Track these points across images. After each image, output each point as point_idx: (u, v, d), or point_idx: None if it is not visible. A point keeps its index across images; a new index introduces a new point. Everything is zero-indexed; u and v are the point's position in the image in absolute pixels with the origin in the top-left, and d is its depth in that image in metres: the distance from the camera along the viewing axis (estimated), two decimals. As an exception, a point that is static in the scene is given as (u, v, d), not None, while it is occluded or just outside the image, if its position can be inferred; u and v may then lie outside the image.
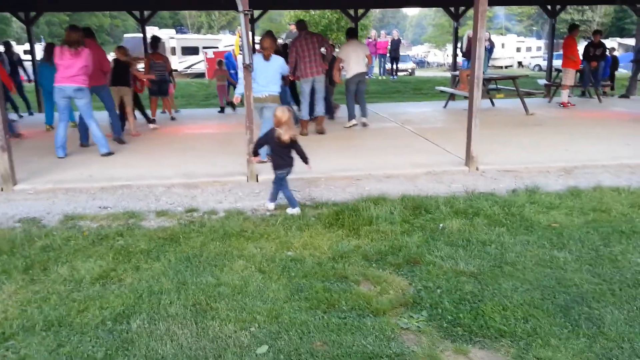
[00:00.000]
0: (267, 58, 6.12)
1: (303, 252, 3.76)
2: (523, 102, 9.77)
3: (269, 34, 6.32)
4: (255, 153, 4.88)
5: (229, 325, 2.81)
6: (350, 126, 8.69)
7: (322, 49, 8.20)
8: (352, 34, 8.81)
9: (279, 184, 4.71)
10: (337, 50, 9.14)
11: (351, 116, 8.79)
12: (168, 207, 4.84)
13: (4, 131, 5.32)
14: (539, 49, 41.93)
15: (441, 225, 4.16)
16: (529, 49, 40.63)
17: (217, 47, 27.30)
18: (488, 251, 3.68)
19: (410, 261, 3.56)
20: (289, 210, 4.62)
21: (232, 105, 11.53)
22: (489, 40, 14.22)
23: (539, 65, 33.62)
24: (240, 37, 18.75)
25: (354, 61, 8.38)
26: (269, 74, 6.07)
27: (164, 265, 3.59)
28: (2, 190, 5.39)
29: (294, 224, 4.30)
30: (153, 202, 5.02)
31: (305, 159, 4.74)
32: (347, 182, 5.53)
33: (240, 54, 19.17)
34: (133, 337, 2.72)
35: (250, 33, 5.53)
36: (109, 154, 6.87)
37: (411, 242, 3.85)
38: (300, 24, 8.34)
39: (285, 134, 4.51)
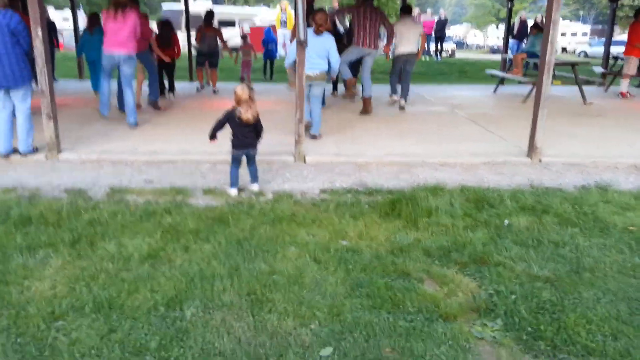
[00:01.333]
0: (318, 33, 5.86)
1: (359, 243, 3.54)
2: (581, 91, 9.21)
3: (323, 10, 6.05)
4: (213, 136, 4.47)
5: (287, 320, 2.62)
6: (394, 101, 8.42)
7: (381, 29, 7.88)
8: (406, 11, 8.41)
9: (236, 165, 4.49)
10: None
11: (394, 92, 8.53)
12: (215, 185, 4.68)
13: (50, 98, 5.21)
14: (584, 34, 40.16)
15: (507, 221, 3.87)
16: (574, 34, 38.97)
17: (254, 22, 26.99)
18: (562, 254, 3.38)
19: (477, 260, 3.29)
20: (250, 185, 4.54)
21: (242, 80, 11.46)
22: (541, 22, 13.48)
23: (584, 52, 32.22)
24: (282, 11, 18.47)
25: (405, 39, 8.01)
26: (320, 50, 5.83)
27: (215, 247, 3.42)
28: (47, 158, 5.31)
29: (347, 211, 4.07)
30: (199, 179, 4.86)
31: (259, 136, 4.53)
32: (399, 168, 5.26)
33: (281, 27, 18.88)
34: (187, 326, 2.56)
35: (306, 7, 5.22)
36: (135, 125, 6.77)
37: (476, 238, 3.58)
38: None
39: (246, 112, 4.28)
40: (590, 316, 2.67)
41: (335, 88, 10.17)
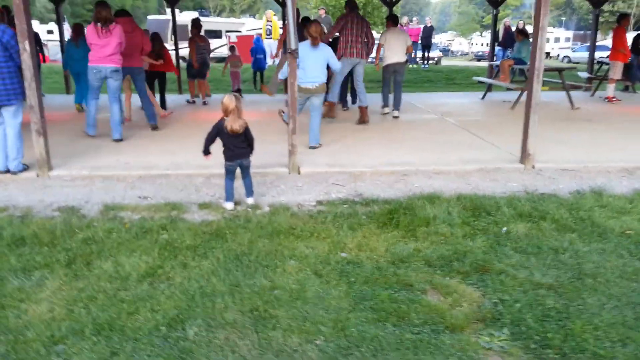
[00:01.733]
0: (315, 45, 5.89)
1: (359, 255, 3.52)
2: (569, 96, 9.32)
3: (317, 21, 6.07)
4: (207, 151, 4.39)
5: (292, 337, 2.58)
6: (385, 113, 8.46)
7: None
8: (393, 21, 8.46)
9: (230, 177, 4.44)
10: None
11: (385, 104, 8.61)
12: (210, 199, 4.63)
13: (40, 114, 5.14)
14: (567, 39, 40.78)
15: (505, 229, 3.87)
16: (557, 40, 39.54)
17: (240, 31, 27.03)
18: (563, 260, 3.39)
19: (478, 269, 3.28)
20: (245, 199, 4.50)
21: (239, 91, 11.43)
22: (524, 28, 13.68)
23: (567, 57, 32.69)
24: (268, 20, 18.49)
25: (393, 49, 8.04)
26: (318, 62, 5.89)
27: (213, 263, 3.37)
28: (37, 176, 5.22)
29: (345, 222, 4.05)
30: (194, 193, 4.81)
31: (251, 149, 4.49)
32: (394, 177, 5.25)
33: (267, 38, 18.89)
34: (191, 346, 2.51)
35: (295, 17, 5.23)
36: (120, 140, 6.73)
37: (475, 247, 3.58)
38: (352, 3, 8.02)
39: (234, 123, 4.22)
40: (597, 322, 2.67)
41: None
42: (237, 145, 4.37)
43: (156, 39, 8.63)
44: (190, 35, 9.93)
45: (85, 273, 3.25)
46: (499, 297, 2.95)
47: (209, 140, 4.37)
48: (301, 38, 5.78)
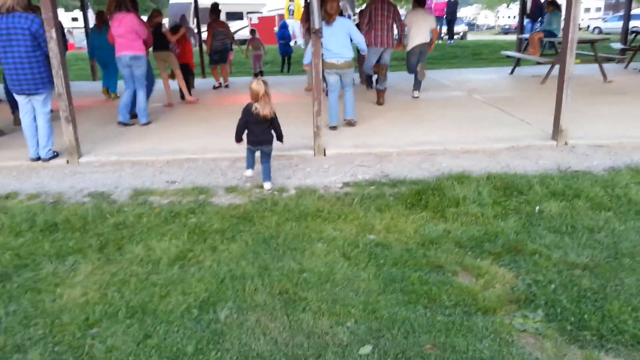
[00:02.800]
0: (330, 22, 5.80)
1: (387, 237, 3.48)
2: (601, 69, 8.98)
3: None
4: (240, 139, 4.44)
5: (323, 319, 2.57)
6: (416, 97, 8.28)
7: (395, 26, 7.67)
8: (419, 2, 8.20)
9: (251, 151, 4.52)
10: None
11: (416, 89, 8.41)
12: (236, 183, 4.64)
13: (68, 101, 5.21)
14: (598, 9, 39.25)
15: (538, 208, 3.77)
16: (587, 10, 38.09)
17: (261, 12, 26.84)
18: (598, 239, 3.29)
19: (511, 250, 3.21)
20: (264, 184, 4.49)
21: (261, 74, 11.41)
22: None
23: (598, 28, 31.50)
24: (291, 0, 18.30)
25: (418, 30, 7.83)
26: (340, 37, 5.82)
27: (242, 246, 3.39)
28: (67, 162, 5.32)
29: (372, 203, 4.01)
30: (220, 176, 4.82)
31: (280, 137, 4.50)
32: (421, 157, 5.17)
33: (289, 18, 18.72)
34: (223, 328, 2.53)
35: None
36: (148, 123, 6.90)
37: (507, 227, 3.50)
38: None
39: (264, 109, 4.22)
40: (636, 303, 2.59)
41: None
42: (262, 132, 4.39)
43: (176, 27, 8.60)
44: (209, 20, 9.87)
45: (117, 257, 3.30)
46: (533, 278, 2.88)
47: (241, 129, 4.42)
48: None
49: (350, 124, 6.34)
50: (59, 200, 4.31)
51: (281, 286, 2.89)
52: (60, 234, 3.62)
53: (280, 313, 2.65)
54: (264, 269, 3.09)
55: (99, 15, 8.83)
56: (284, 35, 13.16)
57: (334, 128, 6.23)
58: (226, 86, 10.19)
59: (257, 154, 4.57)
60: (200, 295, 2.82)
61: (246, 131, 4.45)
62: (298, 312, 2.65)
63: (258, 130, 4.39)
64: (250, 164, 4.57)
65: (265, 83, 4.28)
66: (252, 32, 12.13)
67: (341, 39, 5.89)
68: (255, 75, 11.41)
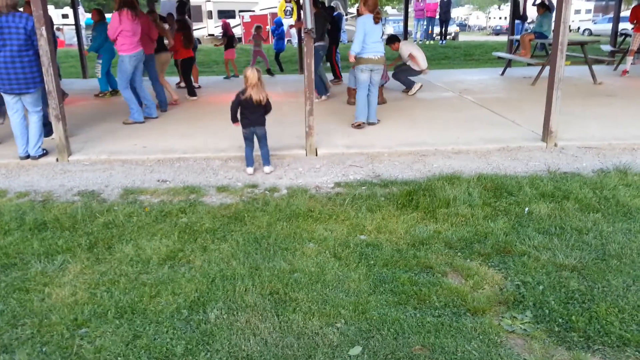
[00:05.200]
0: (376, 22, 6.04)
1: (378, 237, 3.49)
2: (591, 70, 9.06)
3: None
4: (235, 119, 4.74)
5: (313, 320, 2.58)
6: (415, 92, 8.43)
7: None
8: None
9: (248, 145, 4.77)
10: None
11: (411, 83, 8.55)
12: (227, 182, 4.63)
13: (58, 100, 5.16)
14: (588, 11, 39.52)
15: (527, 209, 3.80)
16: (577, 12, 38.35)
17: (253, 11, 26.77)
18: (586, 241, 3.32)
19: (500, 251, 3.24)
20: (263, 168, 4.84)
21: (269, 71, 11.38)
22: (549, 0, 13.26)
23: (588, 30, 31.74)
24: (287, 1, 18.21)
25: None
26: (378, 35, 6.06)
27: (232, 246, 3.38)
28: (57, 160, 5.28)
29: (363, 204, 4.02)
30: (212, 176, 4.81)
31: (268, 112, 4.78)
32: (412, 157, 5.19)
33: (285, 17, 18.63)
34: (212, 329, 2.52)
35: (311, -4, 5.12)
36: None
37: (497, 228, 3.52)
38: None
39: (257, 94, 4.52)
40: (622, 305, 2.62)
41: (335, 76, 10.08)
42: (255, 115, 4.66)
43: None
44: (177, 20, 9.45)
45: (106, 257, 3.29)
46: (521, 279, 2.91)
47: (235, 110, 4.70)
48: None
49: (371, 124, 6.40)
50: (49, 199, 4.28)
51: (272, 286, 2.89)
52: (50, 233, 3.60)
53: (271, 314, 2.65)
54: (254, 269, 3.09)
55: (97, 12, 8.89)
56: (280, 32, 13.16)
57: (360, 126, 6.24)
58: (198, 87, 9.99)
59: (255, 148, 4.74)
60: (190, 295, 2.82)
61: (240, 117, 4.71)
62: (288, 312, 2.65)
63: (251, 115, 4.65)
64: (250, 162, 4.82)
65: (259, 71, 4.58)
66: (257, 28, 12.03)
67: (380, 37, 6.08)
68: (267, 71, 11.43)
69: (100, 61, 8.91)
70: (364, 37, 5.89)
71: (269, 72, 11.60)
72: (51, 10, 25.39)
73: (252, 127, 4.70)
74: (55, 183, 4.68)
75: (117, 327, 2.56)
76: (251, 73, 4.51)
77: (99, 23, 8.77)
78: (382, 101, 7.73)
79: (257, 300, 2.77)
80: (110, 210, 3.98)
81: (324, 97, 8.29)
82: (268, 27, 18.15)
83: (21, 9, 5.13)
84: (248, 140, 4.78)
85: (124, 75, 6.63)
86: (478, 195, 4.03)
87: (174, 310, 2.69)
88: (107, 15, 9.33)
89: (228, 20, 13.03)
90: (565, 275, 2.93)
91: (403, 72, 8.44)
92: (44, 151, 5.35)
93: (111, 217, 3.84)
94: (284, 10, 17.72)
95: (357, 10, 9.66)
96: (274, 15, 22.07)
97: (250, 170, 4.81)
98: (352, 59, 6.13)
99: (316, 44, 6.95)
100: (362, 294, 2.80)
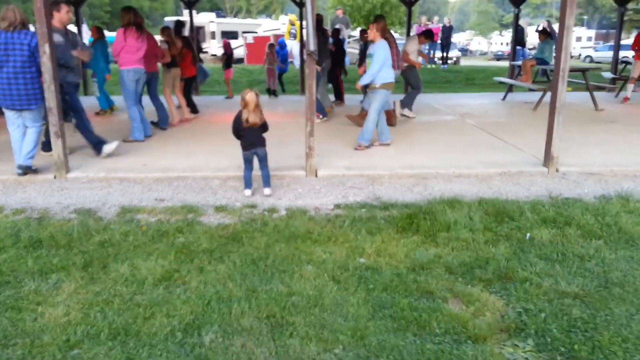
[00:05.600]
0: (391, 46, 6.26)
1: (378, 260, 3.44)
2: (592, 97, 9.11)
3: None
4: (239, 137, 4.72)
5: (310, 345, 2.52)
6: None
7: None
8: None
9: (248, 167, 4.73)
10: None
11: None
12: (226, 202, 4.60)
13: (58, 117, 5.16)
14: (589, 39, 40.01)
15: (529, 235, 3.76)
16: (578, 39, 38.83)
17: (256, 32, 27.13)
18: (589, 268, 3.27)
19: (501, 277, 3.19)
20: (263, 190, 4.76)
21: (273, 92, 11.42)
22: (551, 27, 13.45)
23: (589, 57, 32.10)
24: (292, 24, 18.43)
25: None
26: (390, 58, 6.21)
27: (229, 268, 3.33)
28: (55, 177, 5.25)
29: (363, 226, 3.98)
30: (210, 195, 4.78)
31: (264, 130, 4.76)
32: (413, 180, 5.16)
33: (290, 39, 18.82)
34: (207, 353, 2.46)
35: (315, 18, 5.16)
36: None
37: (498, 253, 3.48)
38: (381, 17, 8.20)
39: (254, 117, 4.51)
40: (626, 334, 2.56)
41: (338, 98, 10.14)
42: (255, 136, 4.63)
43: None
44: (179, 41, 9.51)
45: (101, 276, 3.23)
46: (523, 306, 2.85)
47: (236, 132, 4.67)
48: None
49: (387, 145, 6.51)
50: (45, 216, 4.24)
51: (268, 310, 2.83)
52: (45, 251, 3.55)
53: (267, 338, 2.59)
54: (251, 291, 3.04)
55: (97, 30, 8.95)
56: (281, 53, 13.26)
57: (386, 144, 6.44)
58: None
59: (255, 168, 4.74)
60: (185, 317, 2.76)
61: (240, 139, 4.69)
62: (285, 337, 2.59)
63: (251, 135, 4.62)
64: (249, 184, 4.76)
65: (257, 94, 4.57)
66: (271, 46, 12.02)
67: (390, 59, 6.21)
68: (271, 91, 11.44)
69: (96, 79, 9.01)
70: (383, 62, 5.99)
71: (273, 93, 11.57)
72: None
73: (253, 148, 4.66)
74: (52, 200, 4.65)
75: (109, 349, 2.50)
76: (250, 96, 4.48)
77: (98, 41, 8.86)
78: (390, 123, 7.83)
79: (253, 323, 2.71)
80: (107, 228, 3.94)
81: (325, 119, 8.32)
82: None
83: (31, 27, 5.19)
84: (248, 162, 4.73)
85: (127, 91, 6.68)
86: (479, 220, 3.99)
87: (168, 332, 2.63)
88: (109, 34, 9.47)
89: (230, 41, 13.16)
90: (567, 302, 2.88)
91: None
92: (34, 167, 5.28)
93: (107, 236, 3.79)
94: (289, 31, 17.92)
95: (362, 35, 9.78)
96: (277, 37, 22.34)
97: (248, 192, 4.73)
98: (358, 86, 6.21)
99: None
100: (361, 319, 2.74)
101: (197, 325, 2.69)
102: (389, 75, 6.12)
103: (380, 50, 6.05)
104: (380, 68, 6.01)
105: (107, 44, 8.99)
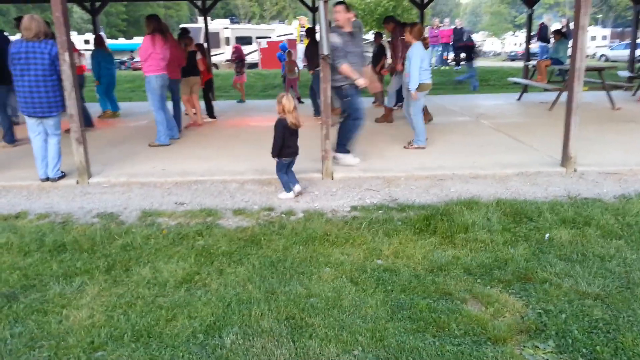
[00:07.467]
0: (426, 48, 6.36)
1: (395, 262, 3.45)
2: (609, 96, 9.00)
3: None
4: (278, 152, 4.66)
5: (329, 347, 2.54)
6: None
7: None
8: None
9: (284, 171, 4.74)
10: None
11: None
12: (244, 205, 4.64)
13: (79, 123, 5.27)
14: (604, 37, 39.49)
15: (547, 235, 3.74)
16: (593, 38, 38.33)
17: (269, 37, 27.32)
18: (610, 268, 3.24)
19: (521, 278, 3.17)
20: (280, 195, 4.79)
21: (298, 99, 11.41)
22: (567, 27, 13.32)
23: (605, 56, 31.67)
24: (302, 26, 18.54)
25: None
26: (428, 62, 6.31)
27: (249, 270, 3.37)
28: (77, 183, 5.36)
29: (380, 228, 3.99)
30: (228, 199, 4.83)
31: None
32: (429, 181, 5.16)
33: (301, 42, 18.90)
34: (228, 354, 2.50)
35: (328, 24, 5.19)
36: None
37: (517, 254, 3.46)
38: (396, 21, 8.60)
39: (297, 119, 4.60)
40: (649, 336, 2.54)
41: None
42: (295, 142, 4.71)
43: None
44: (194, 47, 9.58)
45: (124, 279, 3.30)
46: (543, 307, 2.84)
47: (281, 137, 4.60)
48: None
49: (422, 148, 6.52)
50: (68, 221, 4.33)
51: (288, 311, 2.86)
52: (68, 255, 3.63)
53: (287, 339, 2.61)
54: (270, 293, 3.07)
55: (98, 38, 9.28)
56: (283, 57, 13.33)
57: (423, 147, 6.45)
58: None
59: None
60: (206, 319, 2.80)
61: (284, 147, 4.69)
62: (305, 338, 2.62)
63: (292, 142, 4.68)
64: (289, 187, 4.78)
65: (293, 98, 4.68)
66: (289, 54, 11.64)
67: (429, 58, 6.36)
68: (298, 99, 11.46)
69: (98, 86, 9.31)
70: (419, 64, 6.06)
71: (298, 100, 11.51)
72: (74, 36, 26.16)
73: (296, 155, 4.72)
74: (74, 205, 4.74)
75: (133, 351, 2.55)
76: (287, 100, 4.56)
77: (98, 49, 9.09)
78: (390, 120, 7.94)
79: (273, 325, 2.74)
80: (129, 232, 4.01)
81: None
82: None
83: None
84: (285, 167, 4.74)
85: (154, 95, 6.80)
86: (497, 221, 3.98)
87: (190, 334, 2.67)
88: (110, 41, 9.89)
89: (243, 47, 13.30)
90: (588, 303, 2.86)
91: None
92: (63, 173, 5.44)
93: (129, 240, 3.86)
94: (300, 36, 18.03)
95: (376, 38, 9.82)
96: (290, 42, 22.48)
97: (291, 194, 4.74)
98: (415, 95, 6.23)
99: (317, 68, 7.04)
100: (379, 321, 2.75)
101: (218, 326, 2.73)
102: (424, 76, 6.18)
103: (414, 53, 6.10)
104: (418, 70, 6.07)
105: (106, 52, 9.40)
